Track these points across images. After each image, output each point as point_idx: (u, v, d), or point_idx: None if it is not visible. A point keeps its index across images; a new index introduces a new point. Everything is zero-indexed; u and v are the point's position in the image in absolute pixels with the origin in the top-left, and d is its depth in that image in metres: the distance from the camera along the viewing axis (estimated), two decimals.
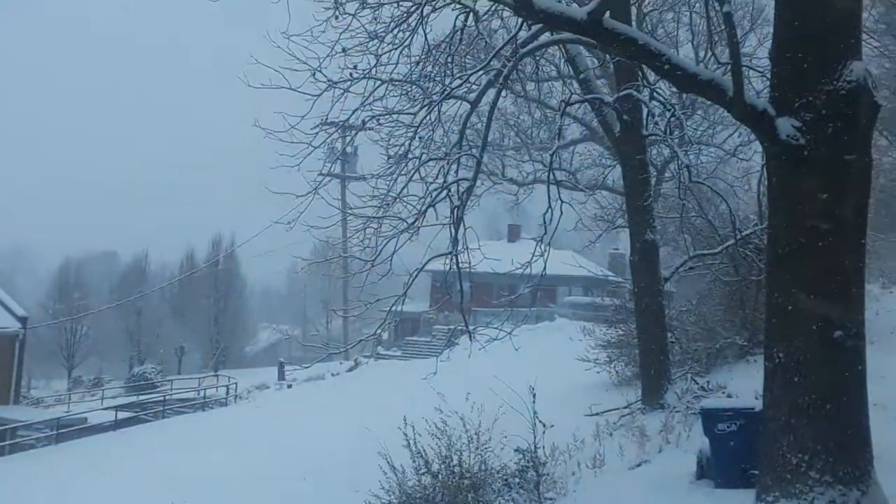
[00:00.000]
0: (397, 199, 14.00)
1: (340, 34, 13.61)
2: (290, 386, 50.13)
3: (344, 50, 13.60)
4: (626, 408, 17.59)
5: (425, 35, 14.55)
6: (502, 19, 17.93)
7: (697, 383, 16.36)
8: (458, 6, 14.28)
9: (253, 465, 23.41)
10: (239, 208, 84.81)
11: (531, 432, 11.93)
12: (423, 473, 12.03)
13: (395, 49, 14.36)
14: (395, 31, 14.36)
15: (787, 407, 7.82)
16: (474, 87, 14.23)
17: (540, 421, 11.95)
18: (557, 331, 39.33)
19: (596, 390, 22.15)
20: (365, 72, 13.90)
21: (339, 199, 17.36)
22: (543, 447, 12.04)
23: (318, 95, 13.44)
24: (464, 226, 12.92)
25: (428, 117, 14.07)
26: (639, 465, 12.67)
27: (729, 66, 8.09)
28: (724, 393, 14.64)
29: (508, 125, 33.79)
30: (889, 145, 26.63)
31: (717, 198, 18.94)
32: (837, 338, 7.70)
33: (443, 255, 12.95)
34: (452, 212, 12.79)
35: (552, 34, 14.46)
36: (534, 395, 11.92)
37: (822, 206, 7.84)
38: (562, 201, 12.80)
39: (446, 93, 13.64)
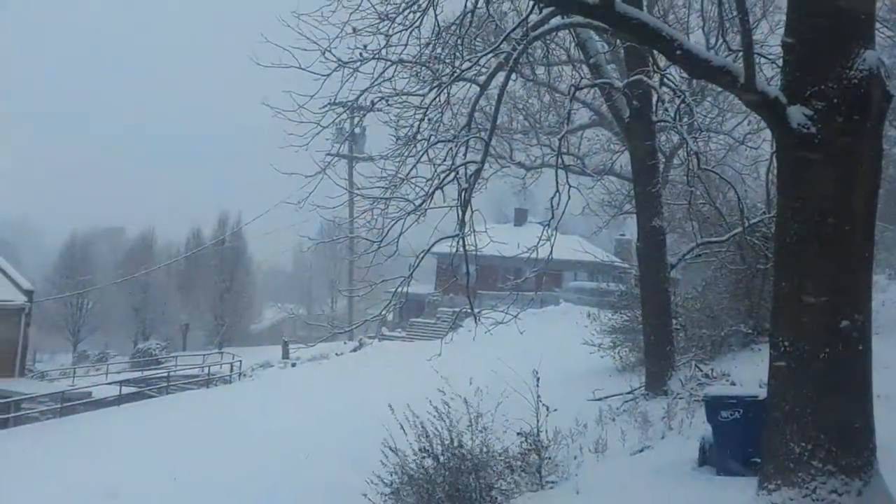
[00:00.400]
0: (405, 181, 13.99)
1: (351, 14, 13.55)
2: (294, 365, 50.23)
3: (354, 30, 13.55)
4: (629, 393, 17.62)
5: (436, 16, 14.48)
6: (513, 1, 17.88)
7: (701, 370, 16.37)
8: None
9: (256, 443, 23.52)
10: (246, 187, 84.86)
11: (534, 416, 11.96)
12: (425, 457, 12.06)
13: (406, 30, 14.30)
14: (406, 12, 14.29)
15: (791, 396, 7.80)
16: (484, 69, 14.20)
17: (543, 404, 11.98)
18: (562, 315, 39.39)
19: (599, 375, 22.19)
20: (375, 52, 13.85)
21: (346, 179, 17.35)
22: (546, 431, 12.07)
23: (328, 75, 13.40)
24: (471, 209, 12.91)
25: (437, 99, 14.03)
26: (641, 451, 12.70)
27: (740, 53, 8.04)
28: (727, 381, 14.65)
29: (517, 109, 33.70)
30: None
31: (726, 185, 18.93)
32: (843, 328, 7.68)
33: (449, 237, 12.93)
34: (460, 194, 12.78)
35: (563, 17, 14.41)
36: (537, 379, 11.95)
37: (832, 195, 7.80)
38: (569, 186, 12.80)
39: (456, 75, 13.61)
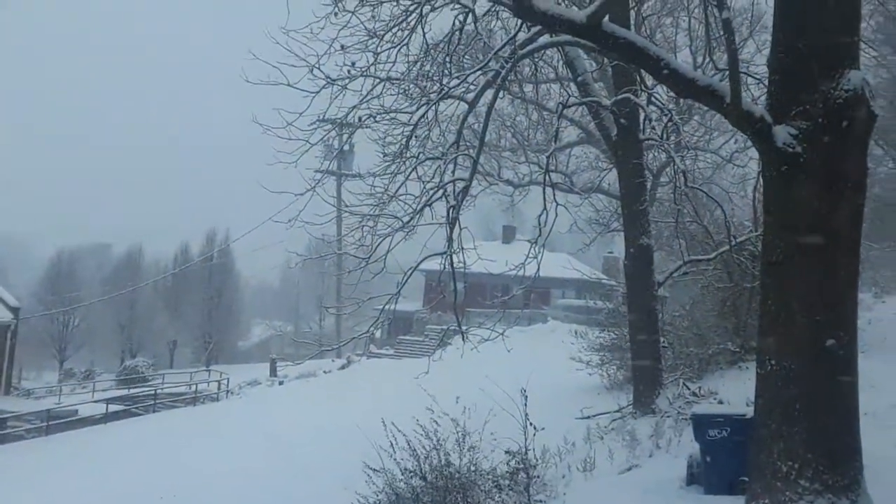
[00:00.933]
0: (393, 198, 13.98)
1: (339, 31, 13.59)
2: (281, 383, 50.09)
3: (343, 47, 13.57)
4: (617, 412, 17.58)
5: (424, 34, 14.53)
6: (501, 20, 17.92)
7: (689, 389, 16.35)
8: (456, 6, 14.27)
9: (243, 462, 23.38)
10: (234, 203, 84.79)
11: (522, 434, 11.92)
12: (412, 476, 12.00)
13: (394, 48, 14.35)
14: (394, 30, 14.35)
15: (778, 414, 7.81)
16: (472, 87, 14.21)
17: (531, 423, 11.94)
18: (550, 333, 39.41)
19: (587, 393, 22.16)
20: (363, 69, 13.86)
21: (334, 196, 17.33)
22: (534, 449, 12.04)
23: (317, 93, 13.40)
24: (459, 226, 12.90)
25: (425, 116, 14.04)
26: (629, 470, 12.68)
27: (727, 73, 8.07)
28: (715, 399, 14.65)
29: (505, 126, 33.78)
30: (884, 155, 26.70)
31: (713, 203, 18.98)
32: (829, 346, 7.69)
33: (437, 254, 12.91)
34: (448, 212, 12.76)
35: (551, 36, 14.44)
36: (525, 397, 11.91)
37: (817, 214, 7.84)
38: (557, 204, 12.82)
39: (444, 92, 13.61)
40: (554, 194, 12.78)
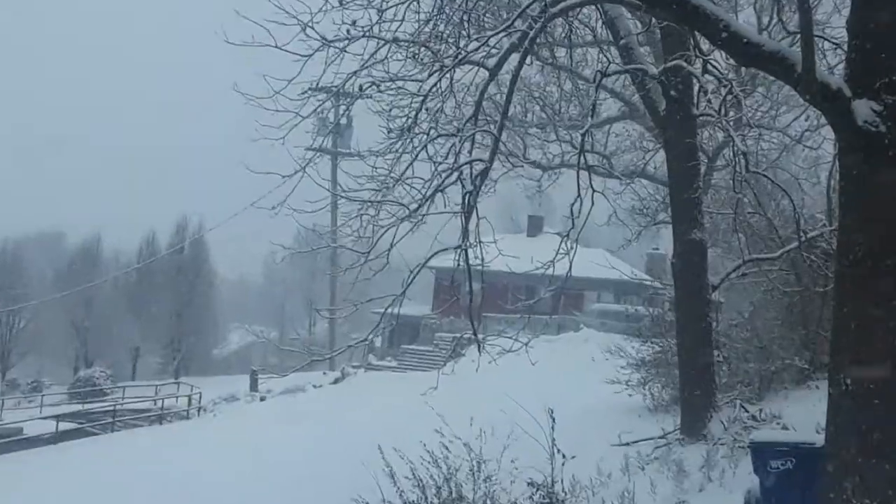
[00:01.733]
0: (399, 182, 13.99)
1: None
2: (263, 398, 50.24)
3: (341, 3, 13.60)
4: (661, 437, 17.57)
5: None
6: None
7: (747, 411, 16.35)
8: None
9: (217, 491, 23.47)
10: (209, 188, 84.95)
11: (548, 462, 11.95)
12: None
13: (402, 3, 14.35)
14: None
15: (855, 443, 7.80)
16: (494, 51, 14.21)
17: (559, 450, 11.96)
18: (583, 343, 39.43)
19: (626, 415, 22.15)
20: (365, 29, 13.88)
21: (329, 179, 17.38)
22: (562, 481, 12.06)
23: (310, 56, 13.43)
24: (476, 215, 12.89)
25: (438, 85, 14.04)
26: None
27: (798, 37, 8.06)
28: (778, 424, 14.65)
29: (533, 98, 33.69)
30: None
31: (779, 192, 18.91)
32: None
33: (450, 248, 12.95)
34: (464, 198, 12.77)
35: None
36: (553, 419, 11.93)
37: None
38: (593, 190, 12.79)
39: (461, 57, 13.61)
40: (590, 179, 12.75)
